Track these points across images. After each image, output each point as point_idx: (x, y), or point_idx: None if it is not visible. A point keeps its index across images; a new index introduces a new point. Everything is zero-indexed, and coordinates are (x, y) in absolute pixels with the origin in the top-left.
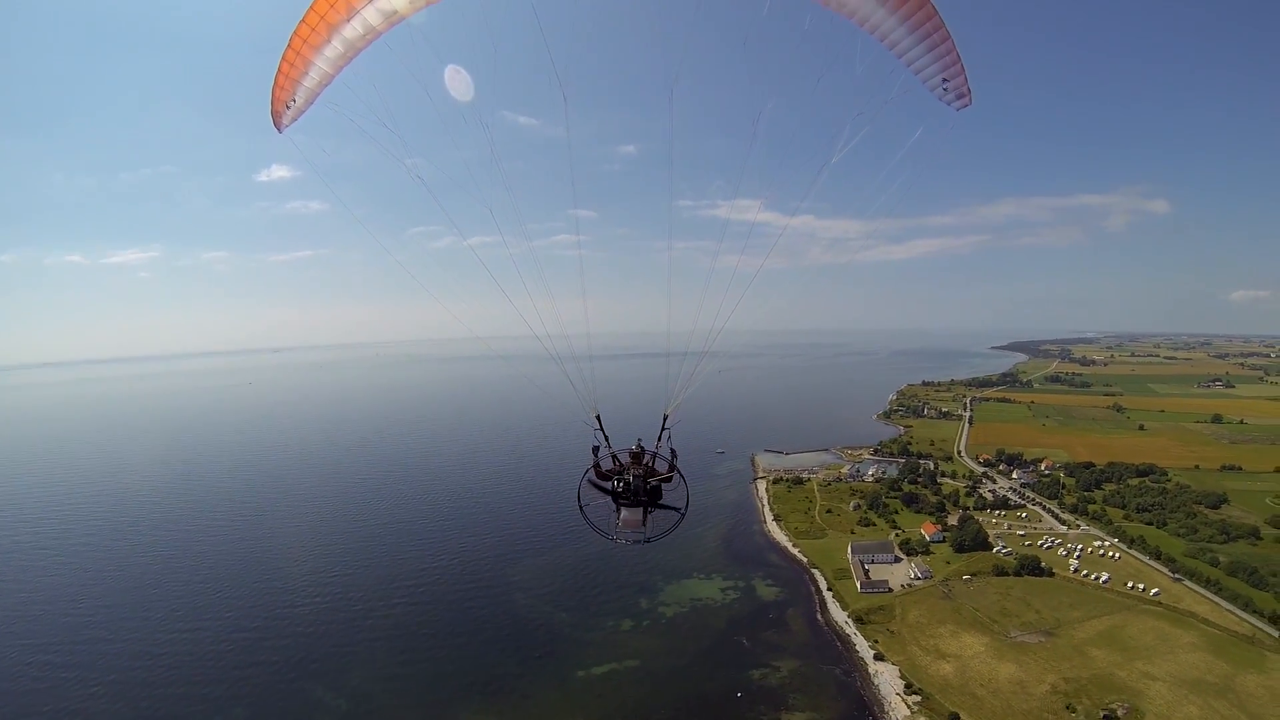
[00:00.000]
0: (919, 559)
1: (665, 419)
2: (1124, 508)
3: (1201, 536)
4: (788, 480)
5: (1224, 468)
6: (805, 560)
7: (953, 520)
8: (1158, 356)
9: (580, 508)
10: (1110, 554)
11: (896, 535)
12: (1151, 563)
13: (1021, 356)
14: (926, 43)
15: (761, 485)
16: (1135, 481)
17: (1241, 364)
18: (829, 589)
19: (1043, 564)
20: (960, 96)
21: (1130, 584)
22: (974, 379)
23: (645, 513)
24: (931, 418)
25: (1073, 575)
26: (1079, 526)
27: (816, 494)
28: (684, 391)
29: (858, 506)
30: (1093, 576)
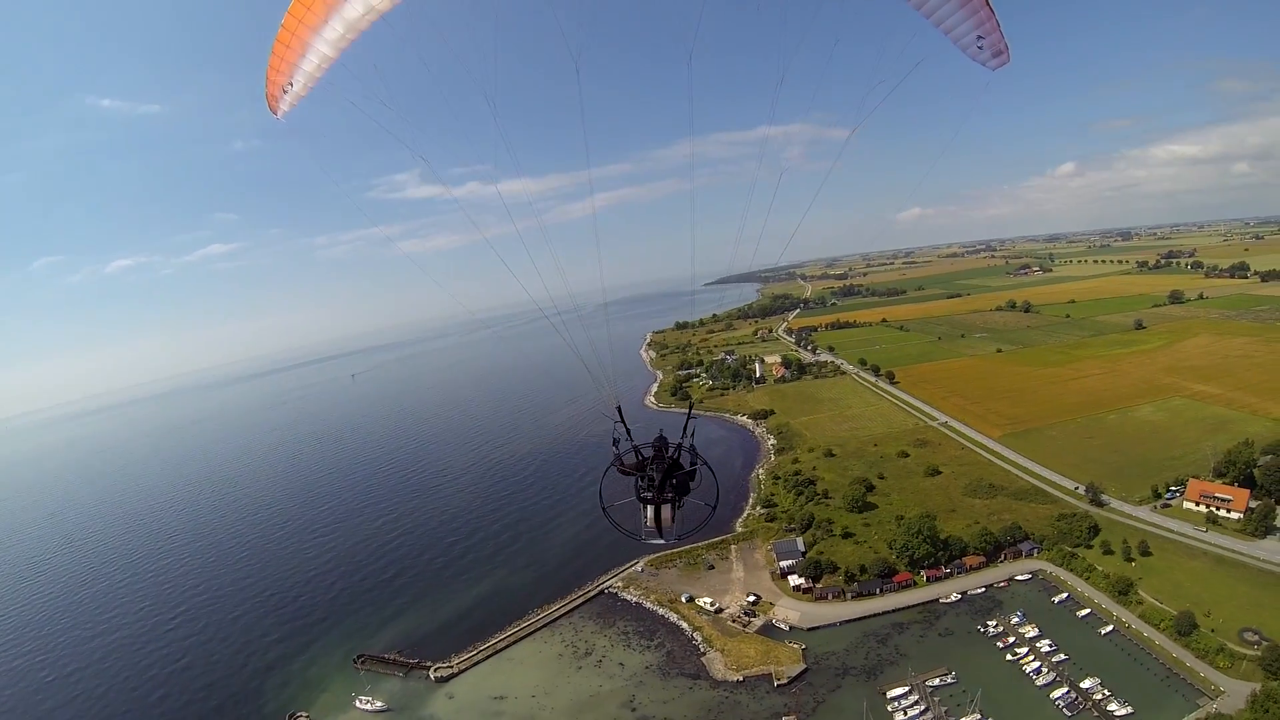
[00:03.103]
0: None
1: (690, 407)
2: None
3: None
4: None
5: None
6: None
7: None
8: (893, 264)
9: (604, 508)
10: None
11: None
12: None
13: (748, 285)
14: None
15: None
16: None
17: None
18: None
19: None
20: (997, 54)
21: None
22: (743, 310)
23: (673, 509)
24: (767, 383)
25: None
26: None
27: None
28: None
29: None
30: None
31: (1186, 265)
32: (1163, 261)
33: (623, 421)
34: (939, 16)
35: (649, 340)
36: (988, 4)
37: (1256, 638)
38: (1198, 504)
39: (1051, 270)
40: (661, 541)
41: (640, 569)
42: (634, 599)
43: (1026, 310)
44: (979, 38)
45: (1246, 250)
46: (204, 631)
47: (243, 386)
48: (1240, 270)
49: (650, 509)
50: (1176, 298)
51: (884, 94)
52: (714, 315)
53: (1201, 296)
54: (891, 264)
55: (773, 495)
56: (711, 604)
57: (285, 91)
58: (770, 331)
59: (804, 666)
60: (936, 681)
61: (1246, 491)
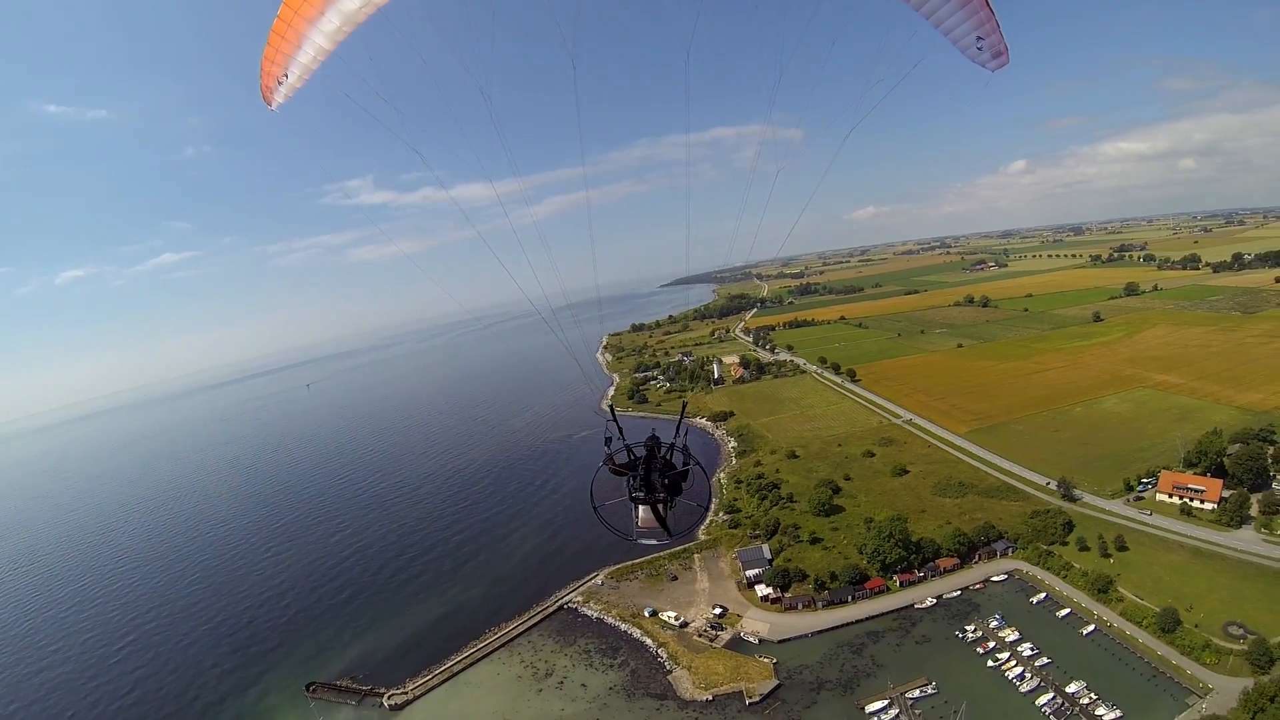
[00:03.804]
0: None
1: (684, 405)
2: None
3: None
4: None
5: None
6: None
7: None
8: (849, 263)
9: (594, 508)
10: None
11: None
12: None
13: (704, 286)
14: None
15: None
16: None
17: (963, 256)
18: None
19: None
20: (997, 55)
21: None
22: (699, 311)
23: (666, 508)
24: (722, 384)
25: None
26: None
27: None
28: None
29: None
30: None
31: (1139, 258)
32: (1115, 255)
33: (615, 420)
34: (938, 17)
35: (605, 343)
36: (988, 4)
37: (1241, 631)
38: (1171, 495)
39: (1007, 265)
40: (653, 542)
41: (600, 582)
42: (595, 614)
43: (985, 305)
44: (979, 39)
45: (1196, 243)
46: (153, 663)
47: (196, 399)
48: (1192, 262)
49: (642, 509)
50: (1132, 290)
51: (883, 93)
52: (670, 316)
53: (1156, 288)
54: (848, 262)
55: (735, 500)
56: (676, 618)
57: (280, 83)
58: (728, 332)
59: (776, 682)
60: (916, 693)
61: (1219, 481)
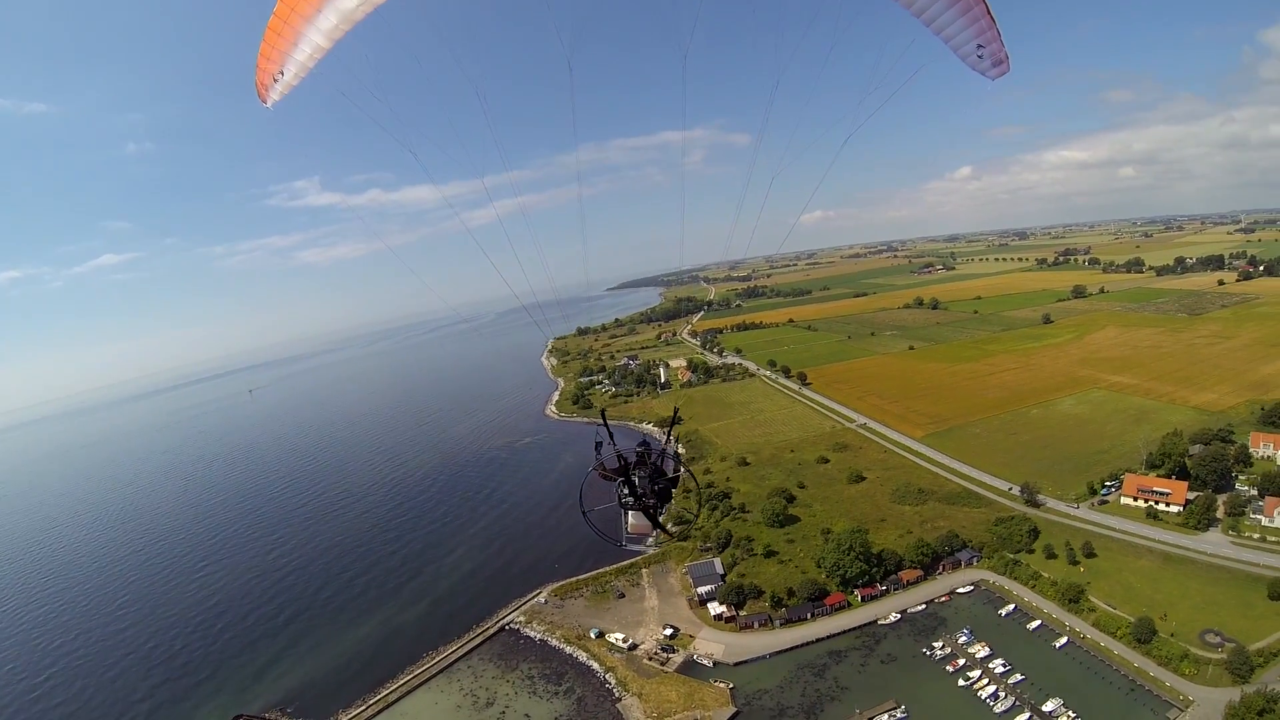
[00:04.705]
0: None
1: (675, 412)
2: None
3: None
4: None
5: None
6: None
7: None
8: (796, 266)
9: (583, 513)
10: None
11: None
12: None
13: (649, 289)
14: (959, 5)
15: None
16: None
17: (910, 259)
18: None
19: None
20: (997, 64)
21: None
22: (646, 314)
23: (655, 515)
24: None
25: None
26: None
27: None
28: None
29: None
30: None
31: (1084, 262)
32: (1061, 259)
33: (606, 425)
34: (939, 25)
35: (550, 347)
36: (989, 13)
37: (1218, 639)
38: (1136, 499)
39: (954, 268)
40: (640, 548)
41: (544, 600)
42: (538, 636)
43: (934, 307)
44: (979, 46)
45: (1138, 247)
46: (78, 697)
47: (136, 406)
48: (1136, 266)
49: (632, 515)
50: (1079, 292)
51: (882, 99)
52: (616, 320)
53: (1103, 291)
54: (795, 265)
55: (684, 511)
56: (624, 639)
57: (276, 80)
58: (674, 335)
59: (734, 709)
60: (885, 717)
61: (1184, 484)
